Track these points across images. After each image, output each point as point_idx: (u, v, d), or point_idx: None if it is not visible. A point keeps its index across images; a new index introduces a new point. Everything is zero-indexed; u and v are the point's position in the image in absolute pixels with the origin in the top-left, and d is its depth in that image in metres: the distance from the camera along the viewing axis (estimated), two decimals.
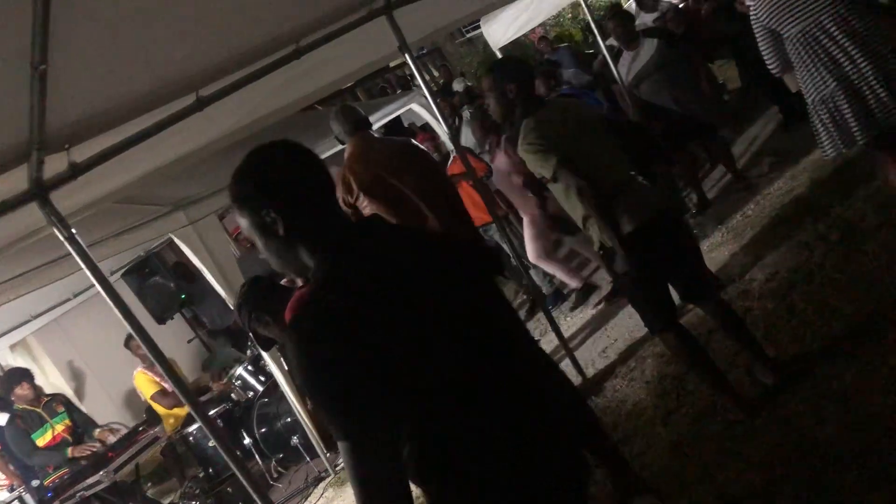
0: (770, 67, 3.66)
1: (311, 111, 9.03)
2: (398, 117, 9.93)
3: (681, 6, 8.15)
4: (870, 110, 3.30)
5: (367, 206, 3.81)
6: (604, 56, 5.83)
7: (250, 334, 3.17)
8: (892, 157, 3.61)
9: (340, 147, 4.10)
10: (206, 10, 2.87)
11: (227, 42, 3.21)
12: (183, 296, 7.70)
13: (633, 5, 9.23)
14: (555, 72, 7.32)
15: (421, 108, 8.20)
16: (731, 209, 5.81)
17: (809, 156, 5.64)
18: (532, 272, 6.04)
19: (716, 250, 5.26)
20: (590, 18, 5.78)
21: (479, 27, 6.91)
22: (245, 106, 3.92)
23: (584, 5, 5.66)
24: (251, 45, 3.37)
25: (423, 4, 4.30)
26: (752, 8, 3.52)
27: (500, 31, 6.47)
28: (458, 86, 9.90)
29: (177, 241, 5.28)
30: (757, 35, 3.58)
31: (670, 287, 3.38)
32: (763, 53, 3.62)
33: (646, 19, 7.85)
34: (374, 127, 7.44)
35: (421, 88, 4.75)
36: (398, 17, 4.07)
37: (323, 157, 7.00)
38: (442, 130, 7.70)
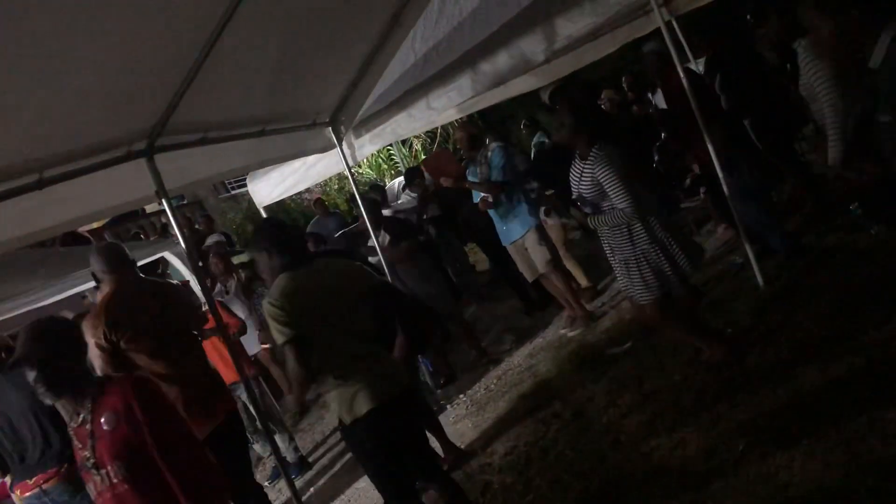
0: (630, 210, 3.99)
1: (48, 248, 8.28)
2: (154, 266, 9.40)
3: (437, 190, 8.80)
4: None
5: (125, 345, 3.73)
6: (367, 229, 6.05)
7: None
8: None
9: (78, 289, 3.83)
10: None
11: None
12: None
13: (397, 186, 9.83)
14: (322, 236, 7.51)
15: (175, 258, 7.84)
16: (476, 383, 6.06)
17: (547, 337, 6.12)
18: (277, 437, 5.76)
19: (460, 422, 5.39)
20: (355, 190, 6.00)
21: (244, 184, 6.92)
22: None
23: (350, 178, 5.88)
24: None
25: (187, 153, 4.21)
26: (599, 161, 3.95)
27: (265, 190, 6.50)
28: (211, 239, 9.67)
29: None
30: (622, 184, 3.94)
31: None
32: (628, 199, 3.92)
33: (405, 199, 8.36)
34: None
35: (176, 237, 4.55)
36: (159, 162, 3.94)
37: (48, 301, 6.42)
38: (195, 283, 7.37)
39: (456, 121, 10.51)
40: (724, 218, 6.12)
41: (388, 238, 5.99)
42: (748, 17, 6.45)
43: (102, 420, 2.63)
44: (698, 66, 7.19)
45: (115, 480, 2.59)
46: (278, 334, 3.03)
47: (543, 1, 4.80)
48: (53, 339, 2.69)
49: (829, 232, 5.37)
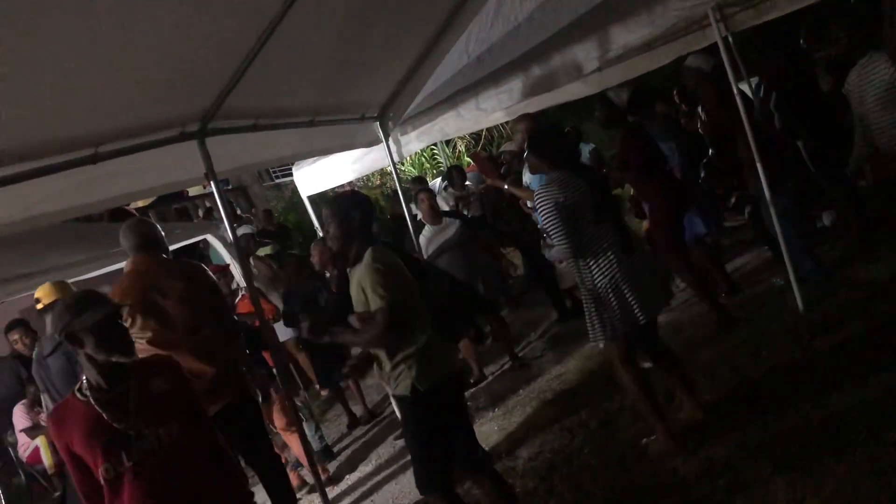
0: (566, 249, 3.73)
1: (95, 223, 8.48)
2: (195, 247, 9.59)
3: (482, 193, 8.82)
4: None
5: (134, 324, 3.81)
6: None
7: None
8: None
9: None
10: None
11: (21, 132, 2.96)
12: None
13: (438, 185, 9.87)
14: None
15: (216, 241, 7.98)
16: (505, 387, 6.06)
17: (579, 346, 6.10)
18: (304, 425, 5.83)
19: (486, 424, 5.39)
20: (398, 186, 6.04)
21: (289, 173, 7.00)
22: (22, 201, 3.58)
23: (395, 173, 5.92)
24: (44, 139, 3.14)
25: (238, 138, 4.28)
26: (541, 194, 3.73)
27: (311, 179, 6.57)
28: (240, 231, 9.85)
29: None
30: (558, 222, 3.66)
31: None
32: (562, 237, 3.68)
33: (448, 197, 8.40)
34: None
35: (221, 221, 4.64)
36: (210, 145, 4.01)
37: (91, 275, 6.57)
38: (235, 266, 7.49)
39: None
40: (765, 239, 6.04)
41: (458, 223, 6.07)
42: (801, 40, 6.37)
43: (153, 386, 2.73)
44: (751, 84, 7.11)
45: (167, 441, 2.67)
46: (378, 298, 3.10)
47: (600, 8, 4.78)
48: None
49: (878, 261, 5.26)
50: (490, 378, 6.44)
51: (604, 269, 3.67)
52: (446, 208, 8.07)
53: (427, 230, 6.27)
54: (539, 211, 3.70)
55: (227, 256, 7.86)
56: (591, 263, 3.69)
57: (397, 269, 3.24)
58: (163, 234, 4.20)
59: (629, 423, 4.38)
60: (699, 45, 7.10)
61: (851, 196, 6.07)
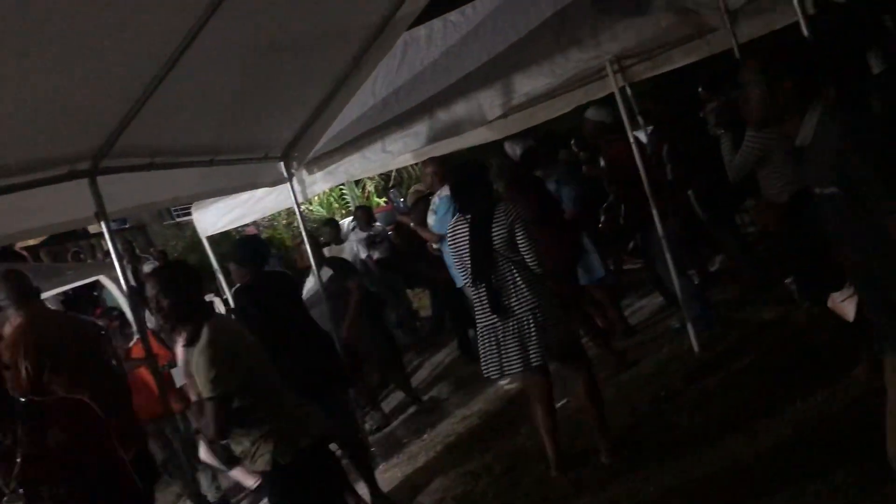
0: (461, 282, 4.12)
1: None
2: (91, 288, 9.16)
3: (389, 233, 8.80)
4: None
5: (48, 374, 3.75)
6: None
7: None
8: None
9: None
10: None
11: None
12: None
13: (347, 225, 9.82)
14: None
15: (111, 283, 7.63)
16: (409, 431, 5.99)
17: (485, 388, 6.10)
18: (200, 474, 5.58)
19: (390, 471, 5.30)
20: (303, 229, 5.95)
21: (190, 211, 6.82)
22: None
23: (298, 214, 5.83)
24: None
25: (133, 177, 4.12)
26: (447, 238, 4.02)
27: (211, 220, 6.39)
28: (148, 266, 9.51)
29: None
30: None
31: None
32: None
33: (357, 237, 8.32)
34: (52, 293, 6.77)
35: (112, 262, 4.44)
36: (102, 184, 3.84)
37: None
38: (128, 309, 7.16)
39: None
40: (659, 283, 6.25)
41: (330, 274, 5.93)
42: (699, 89, 6.70)
43: (49, 439, 2.51)
44: (647, 133, 7.41)
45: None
46: (208, 389, 2.91)
47: (504, 57, 4.90)
48: None
49: (766, 303, 5.51)
50: (395, 423, 6.35)
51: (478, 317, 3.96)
52: (358, 249, 7.99)
53: (309, 278, 6.08)
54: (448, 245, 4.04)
55: (121, 299, 7.52)
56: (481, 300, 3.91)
57: (238, 346, 3.06)
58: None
59: (533, 465, 4.38)
60: (598, 95, 7.38)
61: (739, 242, 6.38)
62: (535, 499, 4.02)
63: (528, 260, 3.84)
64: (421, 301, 9.70)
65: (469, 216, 3.94)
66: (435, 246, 6.20)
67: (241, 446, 3.08)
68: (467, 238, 3.91)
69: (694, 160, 5.98)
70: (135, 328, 5.96)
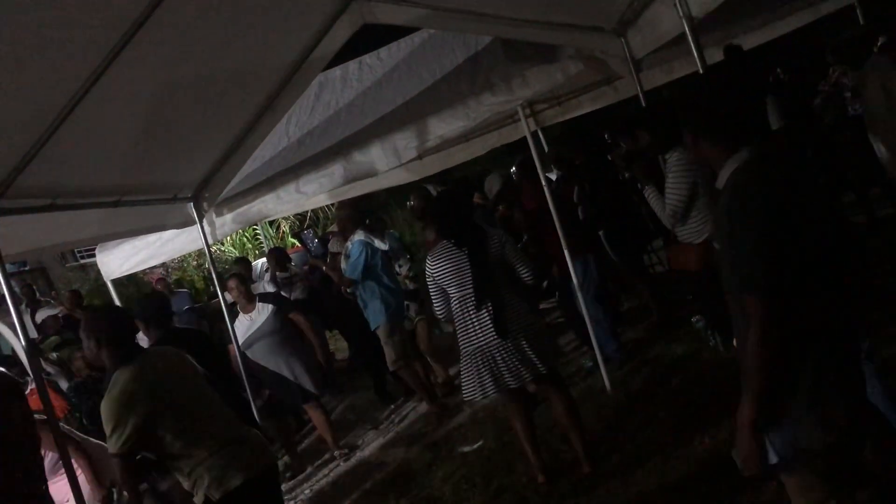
0: (438, 314, 4.19)
1: None
2: None
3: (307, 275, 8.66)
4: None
5: None
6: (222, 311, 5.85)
7: None
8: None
9: None
10: None
11: None
12: None
13: (260, 267, 9.61)
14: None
15: (6, 329, 7.22)
16: (325, 478, 5.84)
17: (401, 430, 6.03)
18: None
19: None
20: (212, 269, 5.80)
21: (94, 252, 6.53)
22: None
23: (208, 256, 5.69)
24: None
25: (33, 218, 3.94)
26: (428, 267, 4.09)
27: (116, 262, 6.15)
28: (42, 314, 9.08)
29: None
30: (430, 290, 4.11)
31: None
32: (434, 304, 4.14)
33: (266, 282, 8.14)
34: None
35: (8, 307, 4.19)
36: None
37: None
38: (23, 355, 6.78)
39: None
40: (571, 322, 6.36)
41: (271, 309, 5.81)
42: (605, 136, 6.97)
43: None
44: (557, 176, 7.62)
45: None
46: (112, 442, 2.88)
47: (418, 100, 4.97)
48: None
49: (675, 341, 5.67)
50: (310, 469, 6.18)
51: (464, 342, 4.01)
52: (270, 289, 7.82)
53: (240, 318, 5.97)
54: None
55: (16, 345, 7.11)
56: (458, 331, 4.04)
57: (159, 389, 3.01)
58: None
59: None
60: (512, 138, 7.56)
61: (648, 281, 6.58)
62: None
63: (523, 273, 4.02)
64: (337, 343, 9.56)
65: (454, 243, 4.02)
66: (349, 290, 6.19)
67: (186, 482, 3.04)
68: (458, 264, 3.96)
69: (604, 202, 6.17)
70: (31, 377, 5.64)
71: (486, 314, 3.92)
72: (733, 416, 1.95)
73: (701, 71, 3.96)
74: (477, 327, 3.94)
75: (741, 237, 1.85)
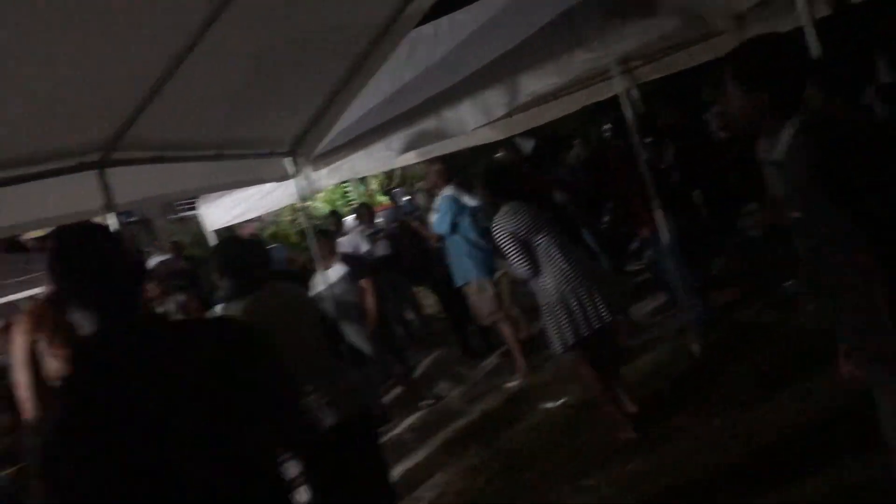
0: (522, 272, 4.18)
1: None
2: None
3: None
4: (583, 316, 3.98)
5: None
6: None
7: None
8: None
9: None
10: None
11: None
12: None
13: (350, 222, 9.83)
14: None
15: None
16: (409, 428, 6.02)
17: (483, 385, 6.14)
18: None
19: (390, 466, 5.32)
20: (306, 223, 5.99)
21: (193, 207, 6.86)
22: None
23: (303, 210, 5.87)
24: None
25: (140, 170, 4.16)
26: (497, 224, 4.17)
27: (217, 214, 6.43)
28: (153, 260, 9.57)
29: None
30: (510, 248, 4.12)
31: None
32: (517, 261, 4.13)
33: (356, 239, 8.33)
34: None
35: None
36: (110, 177, 3.87)
37: None
38: None
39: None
40: (662, 284, 6.27)
41: (345, 270, 5.98)
42: (702, 94, 6.75)
43: None
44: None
45: None
46: None
47: (510, 56, 4.93)
48: None
49: (768, 307, 5.52)
50: (394, 419, 6.38)
51: (550, 288, 4.05)
52: (366, 246, 7.99)
53: (318, 273, 6.04)
54: (496, 239, 4.19)
55: None
56: (544, 281, 4.09)
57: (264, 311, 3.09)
58: None
59: (528, 464, 4.42)
60: (604, 96, 7.41)
61: (742, 244, 6.40)
62: (533, 496, 4.05)
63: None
64: (426, 299, 9.71)
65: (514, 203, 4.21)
66: (436, 244, 6.27)
67: None
68: (532, 222, 4.11)
69: (699, 163, 6.01)
70: None
71: (569, 259, 4.05)
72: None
73: (809, 27, 3.77)
74: (558, 272, 4.04)
75: (834, 195, 1.79)
